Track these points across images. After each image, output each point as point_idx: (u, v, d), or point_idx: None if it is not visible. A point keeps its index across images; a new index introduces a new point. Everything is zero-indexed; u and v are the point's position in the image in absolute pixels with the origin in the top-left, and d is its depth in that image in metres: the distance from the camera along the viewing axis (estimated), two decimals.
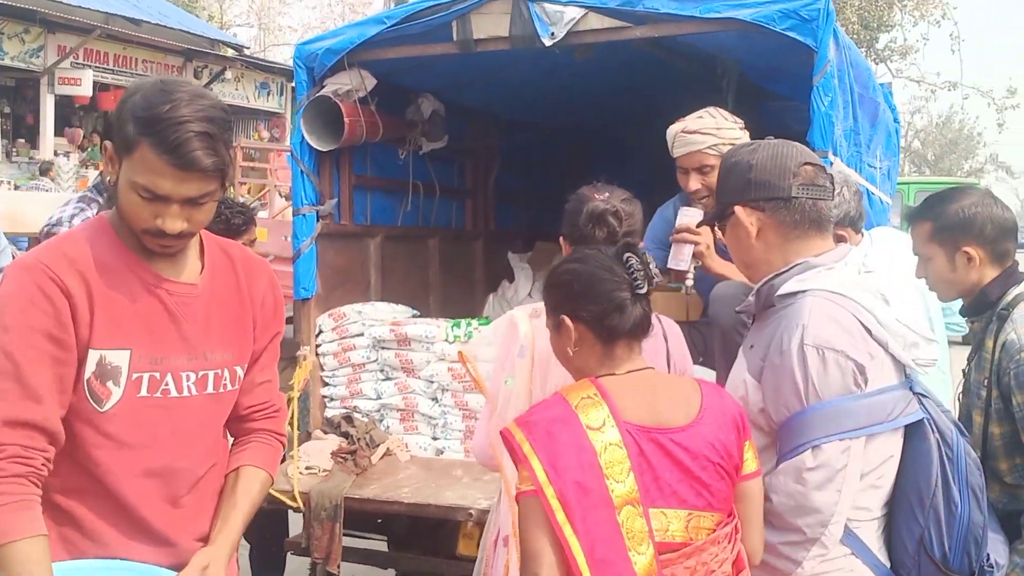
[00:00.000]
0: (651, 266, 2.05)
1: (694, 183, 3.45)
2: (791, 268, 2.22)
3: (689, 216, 3.35)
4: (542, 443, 1.87)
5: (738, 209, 2.28)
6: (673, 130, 3.46)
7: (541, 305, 2.42)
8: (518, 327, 2.51)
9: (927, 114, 42.75)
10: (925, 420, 2.17)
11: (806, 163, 2.27)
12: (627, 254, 2.05)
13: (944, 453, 2.17)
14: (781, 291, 2.20)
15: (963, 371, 2.85)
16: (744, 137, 3.39)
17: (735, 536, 2.00)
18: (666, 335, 2.67)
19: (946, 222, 2.72)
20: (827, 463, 2.05)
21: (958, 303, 4.31)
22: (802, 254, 2.24)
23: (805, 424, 2.06)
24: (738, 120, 3.47)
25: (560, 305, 2.08)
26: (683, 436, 1.94)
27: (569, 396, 1.95)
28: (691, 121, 3.42)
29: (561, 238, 2.70)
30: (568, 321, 2.04)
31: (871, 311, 2.15)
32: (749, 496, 2.05)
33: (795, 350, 2.08)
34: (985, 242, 2.69)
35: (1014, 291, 2.67)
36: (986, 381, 2.67)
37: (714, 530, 1.95)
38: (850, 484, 2.07)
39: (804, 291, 2.17)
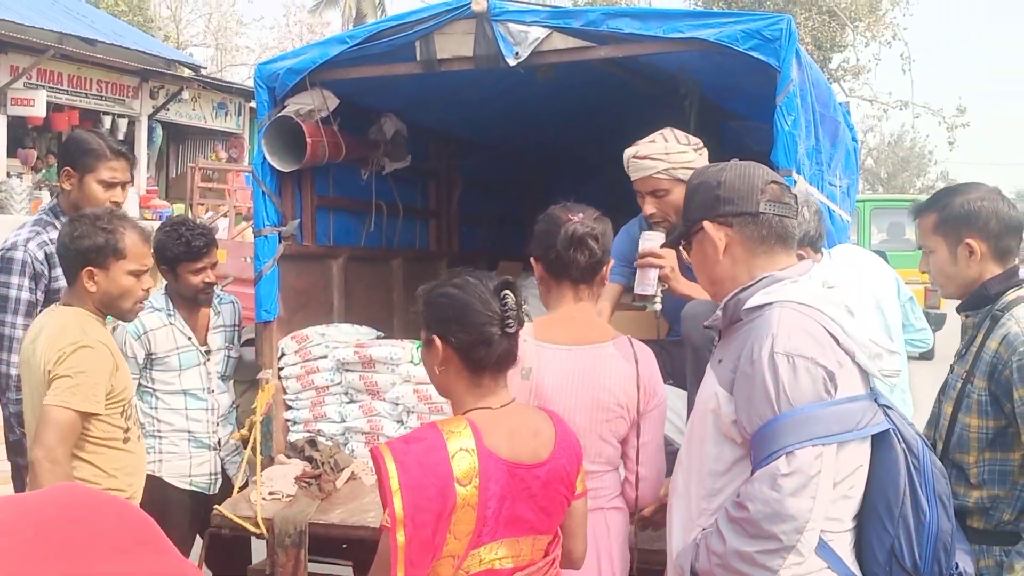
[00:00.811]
0: (523, 308, 2.17)
1: (649, 207, 3.50)
2: (757, 282, 2.26)
3: (651, 240, 3.37)
4: (408, 483, 1.97)
5: (707, 224, 2.31)
6: (626, 155, 3.51)
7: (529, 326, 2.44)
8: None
9: (880, 133, 43.57)
10: (891, 430, 2.20)
11: (772, 182, 2.33)
12: (505, 291, 2.14)
13: (911, 463, 2.20)
14: (748, 304, 2.23)
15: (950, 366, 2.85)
16: (701, 159, 3.45)
17: (558, 548, 2.27)
18: (637, 358, 2.66)
19: (950, 214, 2.72)
20: (801, 469, 2.06)
21: (916, 319, 4.41)
22: (767, 269, 2.28)
23: (778, 431, 2.08)
24: (694, 140, 3.51)
25: (433, 324, 2.17)
26: (541, 471, 2.15)
27: (443, 428, 2.07)
28: (642, 146, 3.47)
29: (533, 259, 2.68)
30: (438, 341, 2.14)
31: (837, 322, 2.18)
32: (576, 512, 2.31)
33: (766, 358, 2.11)
34: (988, 236, 2.68)
35: (1014, 293, 2.66)
36: (964, 374, 2.68)
37: (546, 549, 2.21)
38: (824, 491, 2.09)
39: (771, 303, 2.20)
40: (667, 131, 3.50)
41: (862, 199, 15.51)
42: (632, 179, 3.51)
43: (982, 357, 2.63)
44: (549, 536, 2.21)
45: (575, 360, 2.63)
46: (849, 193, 5.42)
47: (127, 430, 3.13)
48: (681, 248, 2.53)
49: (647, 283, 3.36)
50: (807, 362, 2.11)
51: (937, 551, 2.19)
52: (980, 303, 2.73)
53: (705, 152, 3.50)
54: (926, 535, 2.18)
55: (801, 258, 3.12)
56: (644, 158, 3.44)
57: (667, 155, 3.42)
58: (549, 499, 2.16)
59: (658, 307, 3.44)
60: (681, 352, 3.30)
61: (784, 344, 2.11)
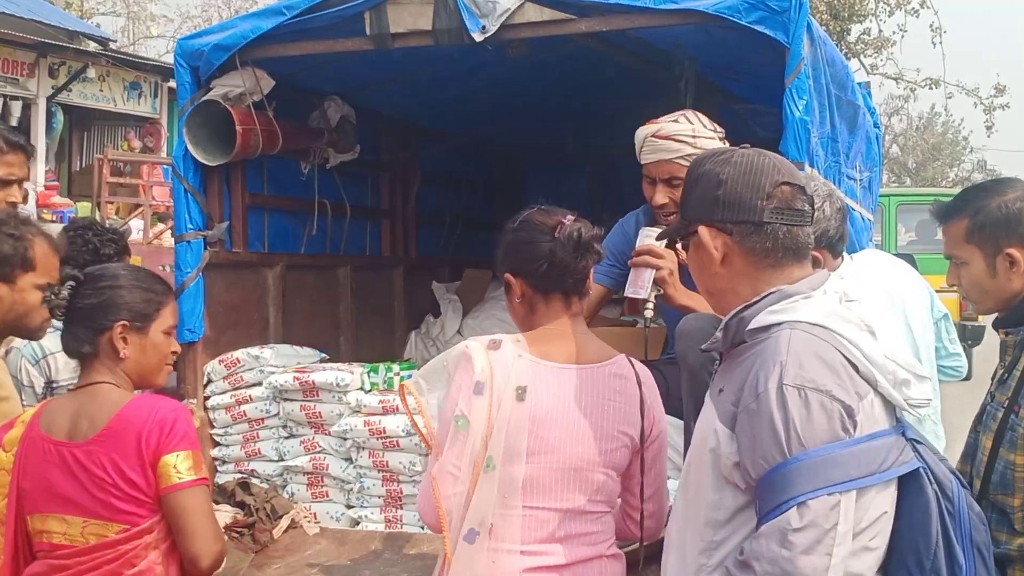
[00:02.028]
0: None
1: (661, 196, 3.51)
2: (763, 298, 2.24)
3: (652, 237, 3.37)
4: None
5: (702, 229, 2.30)
6: (643, 133, 3.50)
7: (501, 336, 2.44)
8: (473, 361, 2.50)
9: (907, 116, 43.99)
10: (921, 469, 2.18)
11: (783, 183, 2.28)
12: None
13: (944, 507, 2.18)
14: (752, 325, 2.21)
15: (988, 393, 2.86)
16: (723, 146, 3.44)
17: (141, 547, 2.62)
18: (640, 380, 2.69)
19: (987, 219, 2.71)
20: (815, 522, 2.04)
21: (951, 342, 4.43)
22: (774, 283, 2.26)
23: (788, 478, 2.06)
24: (718, 129, 3.54)
25: None
26: (80, 451, 2.63)
27: None
28: (665, 125, 3.48)
29: (510, 276, 2.69)
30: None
31: (856, 345, 2.17)
32: (175, 506, 2.59)
33: (773, 392, 2.08)
34: None
35: None
36: (1007, 402, 2.69)
37: (115, 540, 2.61)
38: (842, 545, 2.07)
39: (779, 323, 2.18)
40: (690, 113, 3.53)
41: (887, 193, 15.65)
42: (645, 162, 3.52)
43: (1016, 383, 2.65)
44: (105, 523, 2.62)
45: (574, 381, 2.64)
46: (871, 187, 5.49)
47: None
48: (679, 248, 2.54)
49: (640, 285, 3.37)
50: (821, 395, 2.08)
51: None
52: (1021, 319, 2.74)
53: (726, 144, 3.49)
54: None
55: (817, 263, 3.15)
56: (667, 138, 3.44)
57: (695, 138, 3.43)
58: (92, 482, 2.61)
59: (649, 313, 3.43)
60: (676, 373, 3.32)
61: (794, 374, 2.09)
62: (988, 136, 27.92)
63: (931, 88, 27.25)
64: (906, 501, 2.19)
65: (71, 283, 2.83)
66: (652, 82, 4.80)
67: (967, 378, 7.01)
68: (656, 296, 3.42)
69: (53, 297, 2.82)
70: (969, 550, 2.20)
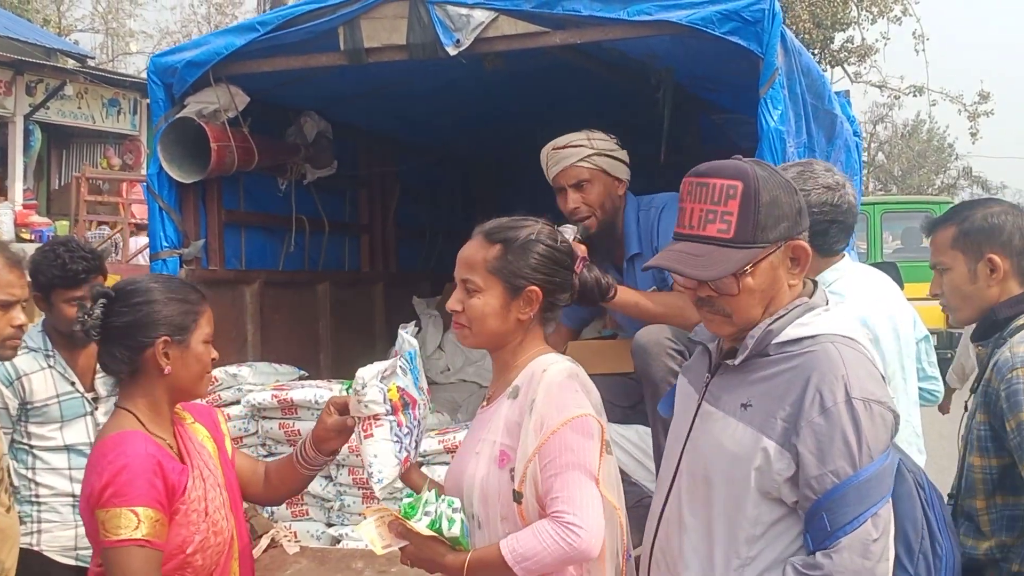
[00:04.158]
0: None
1: (571, 201, 3.83)
2: (791, 311, 2.27)
3: (567, 231, 3.58)
4: None
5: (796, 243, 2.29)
6: (544, 150, 3.87)
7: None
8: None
9: (892, 123, 44.20)
10: (900, 460, 2.28)
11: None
12: None
13: (920, 495, 2.30)
14: (781, 338, 2.24)
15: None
16: (623, 154, 3.87)
17: None
18: None
19: (972, 226, 2.82)
20: (885, 531, 2.15)
21: (930, 364, 4.47)
22: (786, 293, 2.29)
23: (862, 491, 2.13)
24: (611, 136, 3.87)
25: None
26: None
27: None
28: (562, 138, 3.84)
29: (537, 289, 2.57)
30: None
31: (873, 357, 2.27)
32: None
33: (843, 406, 2.14)
34: (1012, 253, 2.78)
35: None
36: (975, 410, 2.76)
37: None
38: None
39: (813, 336, 2.23)
40: (583, 130, 3.88)
41: (872, 201, 15.75)
42: (552, 175, 3.85)
43: (980, 388, 2.73)
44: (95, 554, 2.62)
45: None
46: None
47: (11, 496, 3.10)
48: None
49: None
50: (881, 407, 2.17)
51: None
52: (990, 330, 2.82)
53: (623, 153, 3.89)
54: (944, 569, 2.29)
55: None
56: (564, 147, 3.79)
57: (589, 140, 3.79)
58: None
59: None
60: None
61: (859, 388, 2.16)
62: (973, 143, 28.14)
63: (915, 95, 27.42)
64: (893, 493, 2.25)
65: (103, 300, 2.68)
66: (630, 93, 4.82)
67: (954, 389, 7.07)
68: None
69: (87, 318, 2.67)
70: (946, 533, 2.32)
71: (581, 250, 3.34)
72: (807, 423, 2.16)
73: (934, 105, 27.83)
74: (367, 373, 2.57)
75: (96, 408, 4.03)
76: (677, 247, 2.29)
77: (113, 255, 13.73)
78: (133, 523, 2.48)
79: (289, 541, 4.15)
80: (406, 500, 2.52)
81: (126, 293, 2.70)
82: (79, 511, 2.68)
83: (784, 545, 2.20)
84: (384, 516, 2.51)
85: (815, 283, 2.41)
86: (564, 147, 3.80)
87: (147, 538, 2.49)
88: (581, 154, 3.77)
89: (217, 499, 2.70)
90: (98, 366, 4.07)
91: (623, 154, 3.89)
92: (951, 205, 2.97)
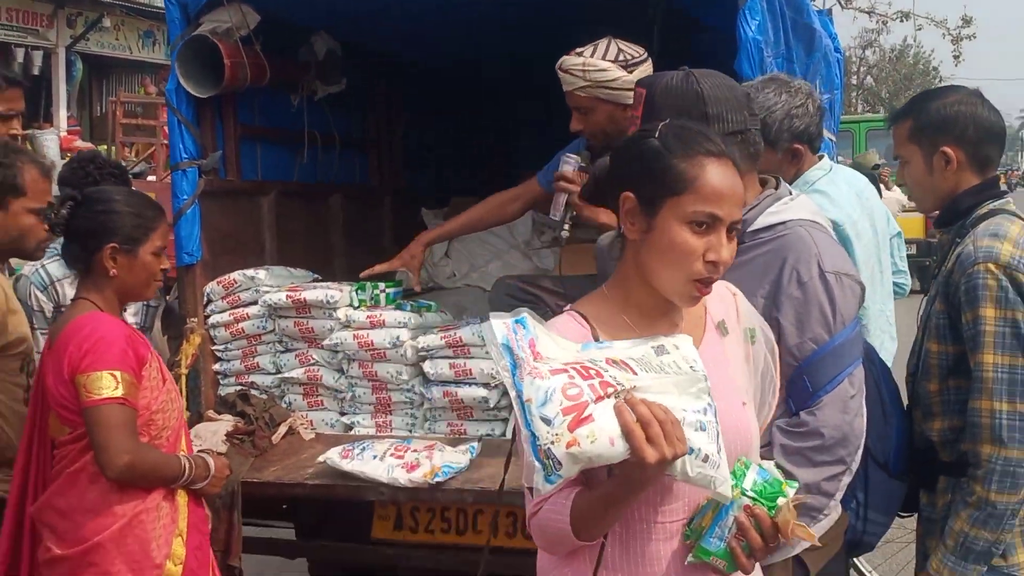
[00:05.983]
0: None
1: (575, 123, 3.61)
2: (760, 202, 2.35)
3: (568, 164, 3.50)
4: None
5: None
6: (557, 64, 3.60)
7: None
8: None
9: (879, 48, 43.45)
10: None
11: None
12: None
13: (873, 372, 2.46)
14: (756, 225, 2.31)
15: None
16: (632, 75, 3.42)
17: (78, 448, 2.80)
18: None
19: (926, 120, 2.73)
20: (860, 388, 2.25)
21: (901, 259, 4.45)
22: (751, 189, 2.34)
23: (838, 353, 2.23)
24: (628, 55, 3.50)
25: None
26: (45, 359, 2.90)
27: None
28: (567, 58, 3.55)
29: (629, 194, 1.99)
30: None
31: (834, 236, 2.42)
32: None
33: (817, 280, 2.24)
34: (966, 144, 2.68)
35: (988, 205, 2.67)
36: (934, 296, 2.71)
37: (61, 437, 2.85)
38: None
39: (784, 222, 2.31)
40: (603, 41, 3.54)
41: (857, 119, 15.56)
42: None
43: (941, 277, 2.67)
44: (60, 425, 2.84)
45: None
46: (832, 109, 5.41)
47: (27, 388, 3.12)
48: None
49: (556, 208, 3.49)
50: (851, 280, 2.29)
51: (902, 448, 2.50)
52: (953, 218, 2.74)
53: (646, 66, 3.51)
54: (895, 435, 2.48)
55: (796, 153, 3.24)
56: (565, 71, 3.54)
57: (584, 72, 3.48)
58: (47, 388, 2.82)
59: (565, 234, 3.52)
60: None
61: (831, 263, 2.27)
62: (956, 66, 27.61)
63: (902, 21, 26.95)
64: None
65: (70, 203, 2.90)
66: (623, 10, 4.69)
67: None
68: (571, 217, 3.48)
69: (53, 216, 2.90)
70: (897, 403, 2.51)
71: (582, 178, 3.32)
72: (787, 297, 2.25)
73: (920, 30, 27.44)
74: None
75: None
76: None
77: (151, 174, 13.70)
78: (112, 384, 2.70)
79: (305, 429, 4.18)
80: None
81: (91, 200, 2.94)
82: (50, 387, 2.82)
83: (782, 406, 2.26)
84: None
85: (777, 179, 2.45)
86: (566, 71, 3.53)
87: (125, 397, 2.72)
88: (576, 84, 3.53)
89: (168, 374, 3.00)
90: None
91: (628, 79, 3.42)
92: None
